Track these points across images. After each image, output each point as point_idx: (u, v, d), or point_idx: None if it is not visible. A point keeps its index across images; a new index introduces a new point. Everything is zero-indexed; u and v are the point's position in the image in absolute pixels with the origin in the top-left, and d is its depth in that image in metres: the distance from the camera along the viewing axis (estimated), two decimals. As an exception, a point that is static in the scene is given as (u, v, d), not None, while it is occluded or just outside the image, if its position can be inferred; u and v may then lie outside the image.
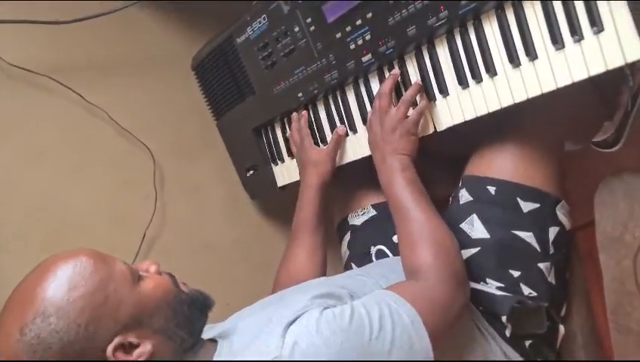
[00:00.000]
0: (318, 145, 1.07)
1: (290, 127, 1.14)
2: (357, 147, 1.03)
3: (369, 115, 0.93)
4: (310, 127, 1.08)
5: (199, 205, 1.30)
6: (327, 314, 0.66)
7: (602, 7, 0.67)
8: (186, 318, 0.69)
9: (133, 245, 1.18)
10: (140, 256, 1.17)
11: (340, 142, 1.03)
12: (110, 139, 1.19)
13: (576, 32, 0.70)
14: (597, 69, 0.70)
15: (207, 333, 0.76)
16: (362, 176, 1.10)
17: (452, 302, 0.75)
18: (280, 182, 1.23)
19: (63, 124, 1.15)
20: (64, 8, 1.12)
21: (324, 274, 1.02)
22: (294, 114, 1.10)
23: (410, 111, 0.88)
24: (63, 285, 0.62)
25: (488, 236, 0.88)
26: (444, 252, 0.79)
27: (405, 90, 0.90)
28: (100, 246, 1.13)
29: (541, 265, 0.87)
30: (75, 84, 1.13)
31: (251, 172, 1.30)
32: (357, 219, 1.11)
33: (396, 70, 0.91)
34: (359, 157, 1.03)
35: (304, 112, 1.08)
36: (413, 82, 0.89)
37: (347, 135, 1.04)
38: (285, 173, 1.21)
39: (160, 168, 1.24)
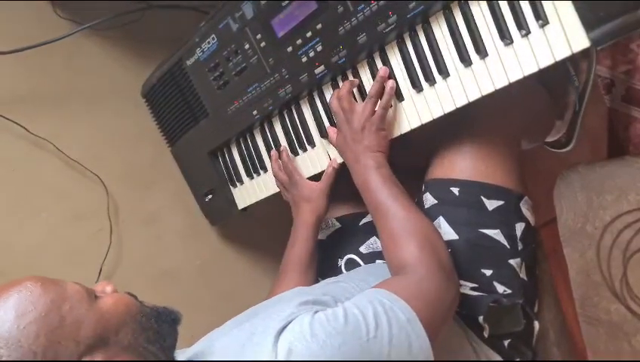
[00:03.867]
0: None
1: (246, 146, 1.12)
2: (316, 161, 1.02)
3: (335, 118, 0.90)
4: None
5: (157, 235, 1.25)
6: (320, 317, 0.62)
7: (545, 1, 0.69)
8: (155, 333, 0.64)
9: (89, 281, 1.07)
10: (96, 292, 1.11)
11: (333, 176, 0.97)
12: (59, 171, 1.13)
13: (522, 26, 0.71)
14: (546, 61, 0.71)
15: (179, 357, 0.71)
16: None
17: (444, 293, 0.72)
18: (240, 205, 1.20)
19: (6, 159, 1.08)
20: (2, 37, 1.07)
21: None
22: (272, 152, 1.05)
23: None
24: (8, 313, 0.56)
25: (457, 237, 0.88)
26: (429, 243, 0.77)
27: (364, 96, 0.90)
28: (53, 285, 1.10)
29: (512, 262, 0.87)
30: (17, 117, 1.07)
31: (210, 196, 1.26)
32: (322, 234, 1.09)
33: (354, 79, 0.90)
34: (319, 171, 1.01)
35: (282, 147, 1.04)
36: (368, 88, 0.88)
37: (340, 166, 0.97)
38: (245, 194, 1.19)
39: (113, 199, 1.19)
